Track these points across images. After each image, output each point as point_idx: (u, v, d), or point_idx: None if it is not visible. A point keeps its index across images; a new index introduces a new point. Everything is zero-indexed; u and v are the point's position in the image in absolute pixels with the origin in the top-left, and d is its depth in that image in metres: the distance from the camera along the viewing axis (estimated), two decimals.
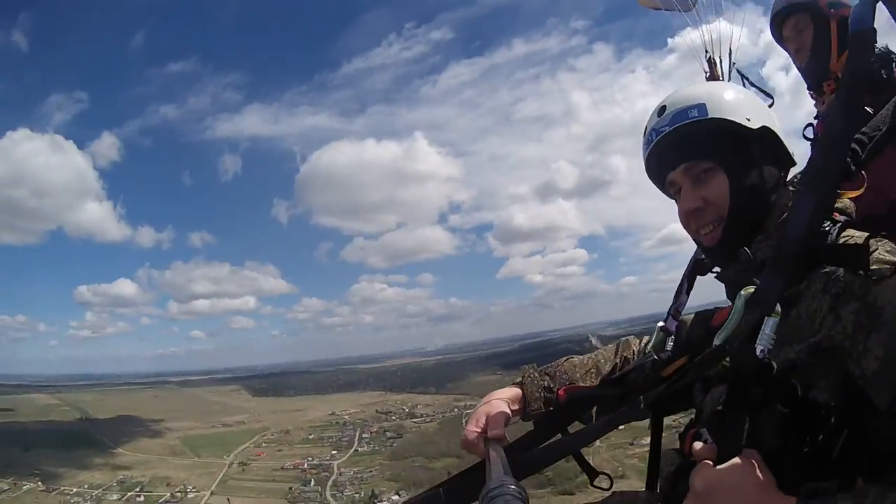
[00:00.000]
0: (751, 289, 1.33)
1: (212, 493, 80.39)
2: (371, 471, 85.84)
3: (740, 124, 1.50)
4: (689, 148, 1.55)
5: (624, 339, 2.15)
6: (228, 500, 77.54)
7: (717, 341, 1.37)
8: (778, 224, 1.46)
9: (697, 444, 1.27)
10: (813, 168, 1.37)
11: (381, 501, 71.59)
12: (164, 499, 77.02)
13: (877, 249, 1.27)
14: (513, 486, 1.23)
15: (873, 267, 1.23)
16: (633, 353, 2.05)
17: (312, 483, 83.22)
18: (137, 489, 78.78)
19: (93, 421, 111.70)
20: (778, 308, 1.26)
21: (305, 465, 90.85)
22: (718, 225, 1.54)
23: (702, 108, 1.52)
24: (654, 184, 1.72)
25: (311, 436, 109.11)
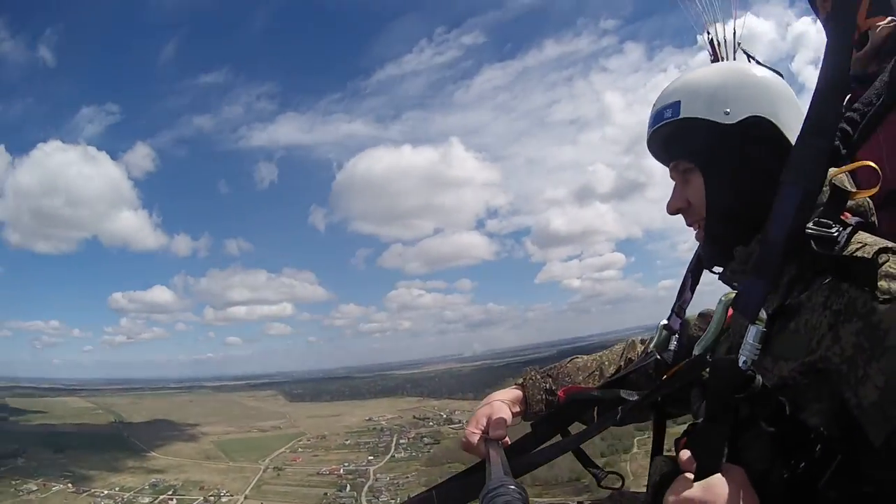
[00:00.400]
0: (732, 294, 1.28)
1: (245, 498, 79.43)
2: (407, 477, 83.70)
3: (710, 122, 1.42)
4: (671, 147, 1.53)
5: (630, 340, 2.11)
6: None
7: (696, 350, 1.32)
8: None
9: (685, 454, 1.17)
10: (796, 156, 1.22)
11: None
12: (196, 502, 76.23)
13: (887, 262, 1.13)
14: (513, 486, 1.23)
15: (881, 284, 1.09)
16: (638, 355, 2.02)
17: (348, 489, 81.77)
18: (170, 493, 78.10)
19: (126, 424, 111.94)
20: (763, 315, 1.17)
21: (341, 471, 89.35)
22: (701, 226, 1.51)
23: (675, 106, 1.46)
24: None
25: (348, 441, 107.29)
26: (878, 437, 1.03)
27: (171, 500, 76.20)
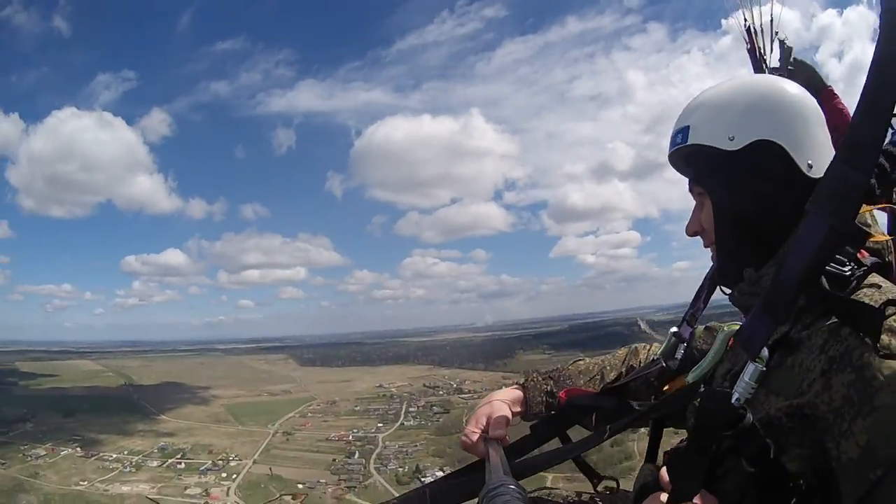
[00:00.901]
0: (735, 326, 1.27)
1: (254, 462, 79.31)
2: (416, 445, 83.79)
3: (717, 150, 1.37)
4: (688, 170, 1.53)
5: (633, 346, 2.09)
6: (271, 469, 76.47)
7: (690, 377, 1.33)
8: (785, 251, 1.28)
9: (664, 471, 1.18)
10: (827, 185, 1.11)
11: (426, 476, 68.58)
12: (205, 466, 76.26)
13: (893, 315, 1.07)
14: (513, 486, 1.23)
15: (883, 338, 1.03)
16: (640, 363, 2.00)
17: (357, 455, 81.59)
18: (178, 456, 78.51)
19: (137, 387, 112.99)
20: (765, 353, 1.13)
21: (350, 437, 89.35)
22: (711, 247, 1.51)
23: (685, 132, 1.44)
24: None
25: (358, 407, 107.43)
26: (850, 497, 1.00)
27: (180, 463, 76.51)
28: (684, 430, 1.53)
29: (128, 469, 73.07)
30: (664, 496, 1.09)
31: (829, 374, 1.07)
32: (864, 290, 1.18)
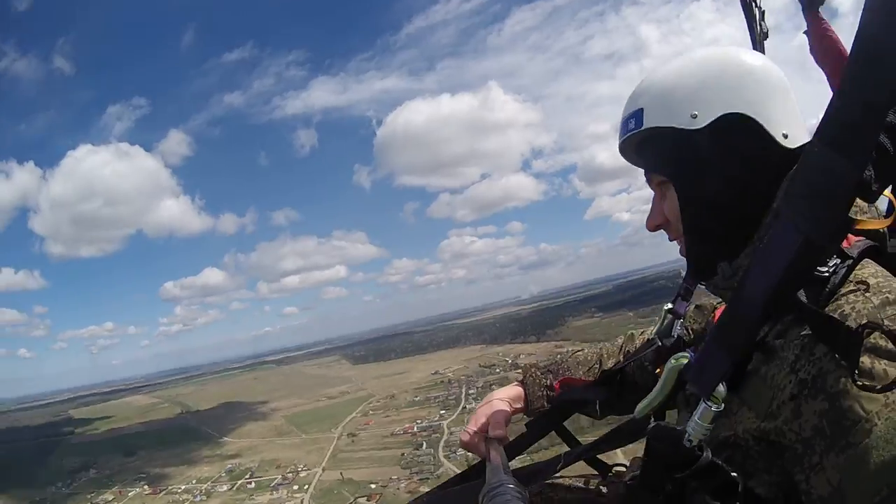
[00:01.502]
0: (684, 359, 1.11)
1: (323, 469, 78.51)
2: None
3: (680, 128, 1.20)
4: (643, 158, 1.36)
5: (629, 333, 2.04)
6: (341, 473, 75.51)
7: (637, 411, 1.20)
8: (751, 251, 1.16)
9: None
10: (804, 179, 0.96)
11: None
12: (275, 481, 75.30)
13: (873, 334, 0.89)
14: (512, 486, 1.23)
15: (863, 361, 0.88)
16: (635, 347, 1.96)
17: (424, 446, 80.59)
18: (247, 476, 77.78)
19: (195, 413, 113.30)
20: (722, 389, 1.01)
21: (415, 429, 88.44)
22: (682, 241, 1.31)
23: (638, 115, 1.26)
24: None
25: (417, 398, 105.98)
26: None
27: (250, 483, 75.75)
28: None
29: (199, 498, 72.56)
30: None
31: (800, 399, 0.95)
32: (847, 296, 0.99)
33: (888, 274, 1.03)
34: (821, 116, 0.93)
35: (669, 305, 1.71)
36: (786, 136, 1.13)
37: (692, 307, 1.75)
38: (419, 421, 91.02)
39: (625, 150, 1.36)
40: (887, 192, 1.12)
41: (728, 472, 0.95)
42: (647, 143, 1.27)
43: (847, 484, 0.87)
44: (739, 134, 1.15)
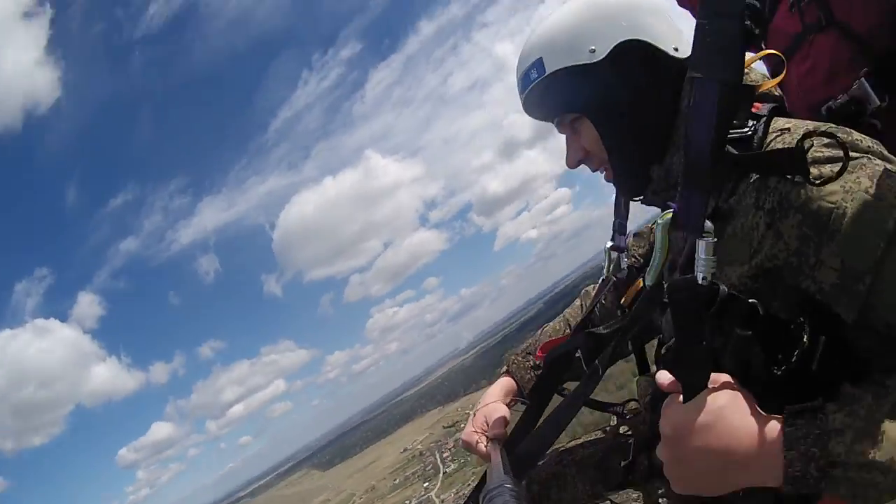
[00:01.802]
0: (668, 214, 1.15)
1: None
2: (469, 484, 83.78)
3: (580, 66, 1.31)
4: (547, 105, 1.44)
5: (583, 290, 2.10)
6: None
7: (648, 281, 1.24)
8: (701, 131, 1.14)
9: (663, 377, 1.10)
10: (704, 45, 1.06)
11: None
12: None
13: (812, 147, 1.04)
14: (511, 486, 1.24)
15: (812, 171, 1.00)
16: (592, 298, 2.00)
17: None
18: None
19: None
20: (709, 225, 1.07)
21: None
22: (607, 167, 1.42)
23: (538, 64, 1.35)
24: None
25: (397, 480, 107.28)
26: (850, 313, 1.00)
27: None
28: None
29: None
30: (680, 397, 1.04)
31: (775, 224, 1.06)
32: (774, 137, 1.15)
33: (801, 119, 1.20)
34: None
35: (610, 243, 1.80)
36: (676, 50, 1.29)
37: (630, 238, 1.83)
38: (408, 501, 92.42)
39: (529, 104, 1.46)
40: (765, 74, 1.36)
41: (746, 301, 1.02)
42: (552, 88, 1.36)
43: (850, 258, 0.97)
44: (636, 57, 1.29)
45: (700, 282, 1.03)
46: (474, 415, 1.84)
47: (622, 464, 1.69)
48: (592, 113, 1.36)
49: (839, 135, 1.03)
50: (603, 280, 1.83)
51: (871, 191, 0.97)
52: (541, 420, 1.61)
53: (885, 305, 0.97)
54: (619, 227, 1.79)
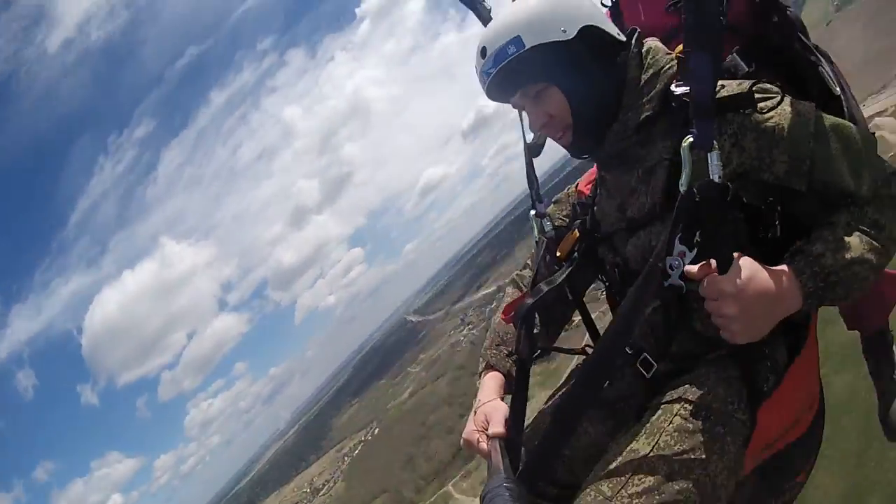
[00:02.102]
0: (689, 139, 1.45)
1: None
2: None
3: (555, 43, 1.60)
4: (519, 77, 1.68)
5: (511, 279, 2.25)
6: None
7: (682, 189, 1.47)
8: (650, 91, 1.66)
9: (689, 269, 1.40)
10: (697, 26, 1.40)
11: None
12: None
13: (756, 89, 1.53)
14: (510, 485, 1.26)
15: (760, 105, 1.51)
16: (526, 282, 2.17)
17: None
18: None
19: None
20: (715, 143, 1.41)
21: None
22: (567, 129, 1.71)
23: (517, 41, 1.60)
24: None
25: None
26: (801, 185, 1.48)
27: None
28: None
29: None
30: (714, 274, 1.36)
31: (738, 141, 1.51)
32: (722, 87, 1.56)
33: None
34: None
35: (533, 211, 2.06)
36: (617, 34, 1.69)
37: (551, 206, 2.15)
38: None
39: (500, 76, 1.66)
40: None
41: (737, 193, 1.45)
42: (527, 61, 1.61)
43: (793, 149, 1.47)
44: (595, 37, 1.63)
45: (717, 181, 1.41)
46: (474, 413, 1.85)
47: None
48: (564, 80, 1.66)
49: (770, 85, 1.56)
50: (537, 242, 2.06)
51: (793, 112, 1.49)
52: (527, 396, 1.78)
53: (819, 171, 1.46)
54: (537, 196, 2.08)
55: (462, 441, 1.83)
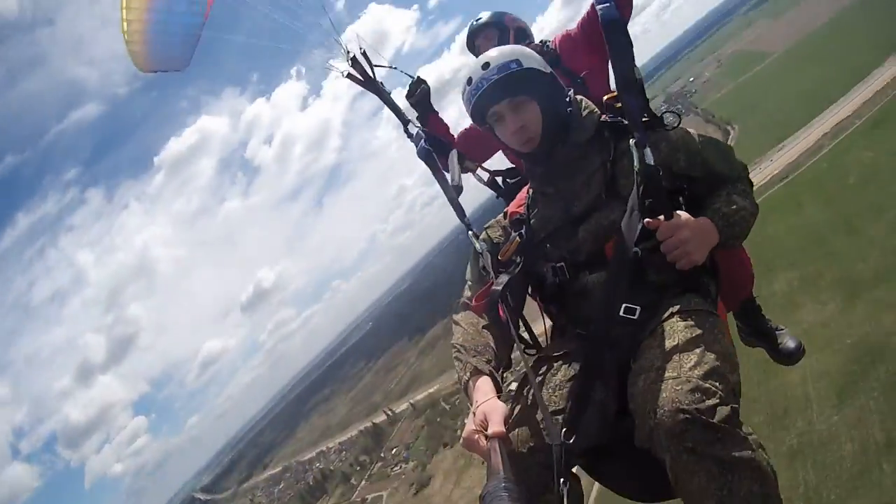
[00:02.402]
0: (633, 140, 2.15)
1: None
2: None
3: (541, 71, 2.26)
4: (512, 87, 2.22)
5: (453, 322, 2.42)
6: None
7: (636, 168, 2.14)
8: (589, 122, 2.35)
9: (654, 221, 2.02)
10: (628, 80, 2.22)
11: None
12: None
13: (664, 116, 2.28)
14: (510, 485, 1.30)
15: (666, 124, 2.26)
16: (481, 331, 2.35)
17: None
18: None
19: None
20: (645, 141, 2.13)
21: None
22: (534, 139, 2.28)
23: (518, 62, 2.21)
24: (474, 118, 2.40)
25: None
26: (697, 172, 2.26)
27: None
28: None
29: None
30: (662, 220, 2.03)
31: (655, 146, 2.15)
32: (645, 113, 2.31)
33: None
34: None
35: (471, 232, 2.58)
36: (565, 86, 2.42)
37: (483, 232, 2.58)
38: None
39: (502, 82, 2.21)
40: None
41: (663, 181, 2.10)
42: (521, 77, 2.20)
43: (689, 154, 2.22)
44: (556, 77, 2.32)
45: (654, 164, 2.09)
46: (473, 413, 1.91)
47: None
48: (543, 99, 2.26)
49: (672, 110, 2.28)
50: (480, 254, 2.50)
51: (686, 131, 2.25)
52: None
53: (707, 163, 2.23)
54: (468, 224, 2.62)
55: (462, 441, 1.91)
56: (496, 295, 2.24)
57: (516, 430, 1.93)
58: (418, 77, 3.66)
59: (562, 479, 1.73)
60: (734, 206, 2.14)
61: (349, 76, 3.30)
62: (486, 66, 2.20)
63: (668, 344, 1.82)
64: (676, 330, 1.86)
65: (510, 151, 2.86)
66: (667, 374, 1.71)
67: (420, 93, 3.64)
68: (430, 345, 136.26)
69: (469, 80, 2.25)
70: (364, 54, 3.27)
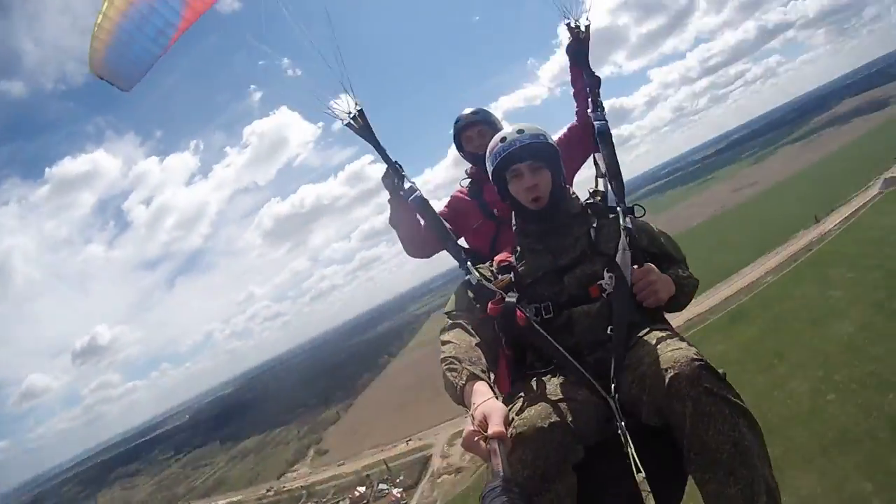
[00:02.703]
0: (619, 209, 2.75)
1: None
2: None
3: (557, 148, 2.70)
4: (535, 153, 2.65)
5: (444, 341, 2.53)
6: None
7: (623, 228, 2.66)
8: (575, 200, 2.86)
9: (635, 268, 2.53)
10: (613, 167, 2.98)
11: None
12: None
13: (632, 210, 2.80)
14: (509, 485, 1.31)
15: (636, 214, 2.78)
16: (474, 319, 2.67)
17: None
18: None
19: None
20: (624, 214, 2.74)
21: None
22: (543, 198, 2.68)
23: (545, 136, 2.66)
24: (495, 170, 2.71)
25: None
26: (655, 249, 2.74)
27: None
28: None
29: None
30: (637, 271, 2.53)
31: (620, 230, 2.63)
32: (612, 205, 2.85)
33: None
34: None
35: (469, 263, 2.87)
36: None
37: (476, 270, 2.78)
38: None
39: (531, 147, 2.65)
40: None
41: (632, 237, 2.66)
42: (544, 148, 2.64)
43: (649, 235, 2.78)
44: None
45: (632, 227, 2.64)
46: (472, 415, 1.91)
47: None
48: (554, 171, 2.70)
49: (639, 204, 2.80)
50: (473, 284, 2.70)
51: (648, 223, 2.78)
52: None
53: (663, 245, 2.73)
54: (467, 269, 2.84)
55: (462, 442, 1.89)
56: (512, 305, 2.46)
57: (532, 408, 2.08)
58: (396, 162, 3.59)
59: (623, 423, 2.11)
60: (684, 276, 2.67)
61: (348, 125, 3.34)
62: (520, 132, 2.66)
63: (656, 337, 2.30)
64: (657, 335, 2.31)
65: (479, 234, 3.70)
66: (669, 348, 2.15)
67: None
68: (241, 454, 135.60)
69: (503, 139, 2.68)
70: (361, 112, 3.32)
